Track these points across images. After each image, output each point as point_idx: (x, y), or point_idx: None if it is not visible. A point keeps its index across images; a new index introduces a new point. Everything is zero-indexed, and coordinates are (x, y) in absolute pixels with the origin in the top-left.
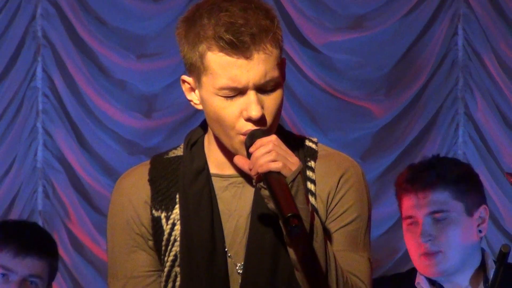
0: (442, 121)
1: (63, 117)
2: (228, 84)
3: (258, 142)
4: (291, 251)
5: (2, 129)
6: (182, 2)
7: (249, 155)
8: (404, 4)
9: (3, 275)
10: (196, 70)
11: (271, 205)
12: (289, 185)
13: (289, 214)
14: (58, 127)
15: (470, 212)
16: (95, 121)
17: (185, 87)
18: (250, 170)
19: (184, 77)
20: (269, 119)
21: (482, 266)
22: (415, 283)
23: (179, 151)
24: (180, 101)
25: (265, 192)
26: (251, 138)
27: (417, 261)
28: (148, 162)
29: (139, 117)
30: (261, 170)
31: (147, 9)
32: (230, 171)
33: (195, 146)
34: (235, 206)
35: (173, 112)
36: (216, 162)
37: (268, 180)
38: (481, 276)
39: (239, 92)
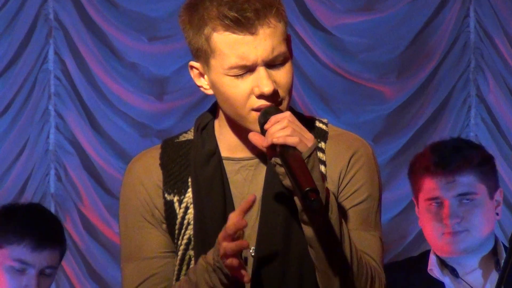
0: (454, 104)
1: (75, 100)
2: (237, 63)
3: (273, 118)
4: (306, 228)
5: (14, 112)
6: None
7: (263, 133)
8: None
9: (21, 269)
10: (204, 54)
11: (286, 181)
12: (306, 161)
13: (307, 188)
14: (70, 110)
15: (491, 195)
16: (107, 103)
17: (193, 73)
18: (265, 147)
19: (192, 63)
20: (282, 93)
21: (494, 250)
22: (428, 270)
23: (190, 135)
24: (192, 83)
25: (281, 169)
26: (265, 115)
27: (438, 240)
28: (159, 146)
29: (151, 99)
30: (277, 141)
31: None
32: (242, 154)
33: (205, 130)
34: (247, 189)
35: (185, 95)
36: (227, 145)
37: (284, 155)
38: (492, 259)
39: (249, 69)
